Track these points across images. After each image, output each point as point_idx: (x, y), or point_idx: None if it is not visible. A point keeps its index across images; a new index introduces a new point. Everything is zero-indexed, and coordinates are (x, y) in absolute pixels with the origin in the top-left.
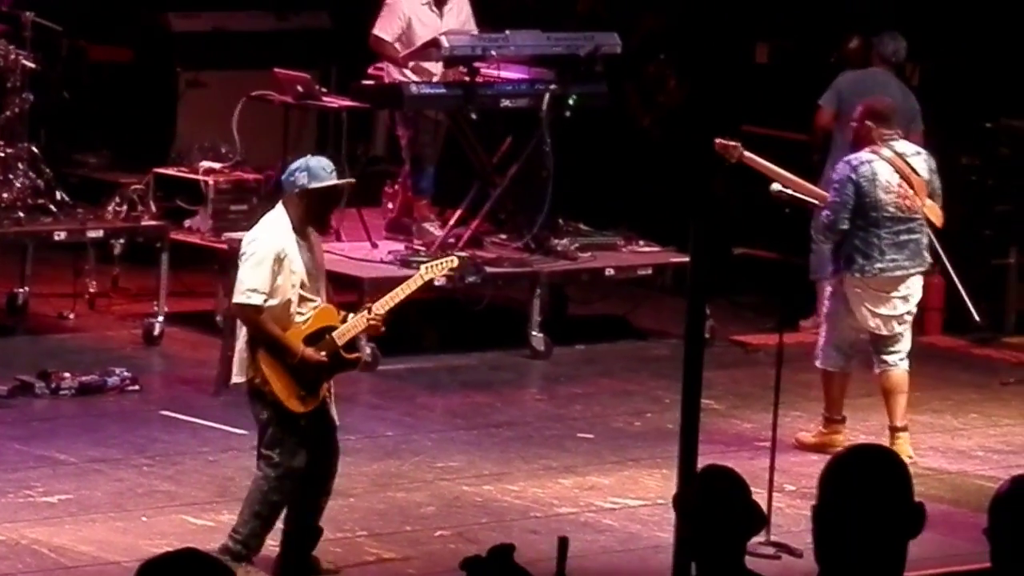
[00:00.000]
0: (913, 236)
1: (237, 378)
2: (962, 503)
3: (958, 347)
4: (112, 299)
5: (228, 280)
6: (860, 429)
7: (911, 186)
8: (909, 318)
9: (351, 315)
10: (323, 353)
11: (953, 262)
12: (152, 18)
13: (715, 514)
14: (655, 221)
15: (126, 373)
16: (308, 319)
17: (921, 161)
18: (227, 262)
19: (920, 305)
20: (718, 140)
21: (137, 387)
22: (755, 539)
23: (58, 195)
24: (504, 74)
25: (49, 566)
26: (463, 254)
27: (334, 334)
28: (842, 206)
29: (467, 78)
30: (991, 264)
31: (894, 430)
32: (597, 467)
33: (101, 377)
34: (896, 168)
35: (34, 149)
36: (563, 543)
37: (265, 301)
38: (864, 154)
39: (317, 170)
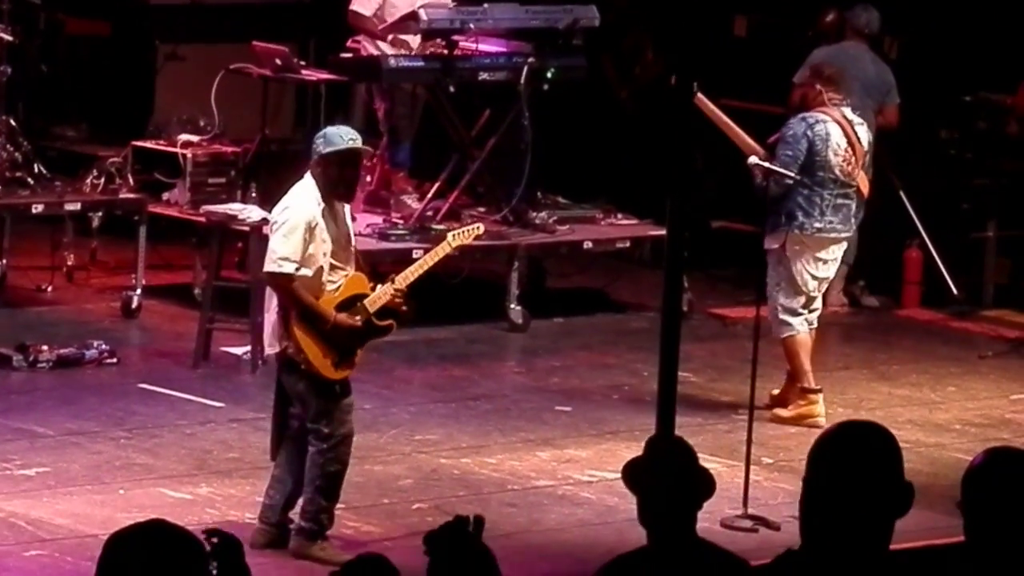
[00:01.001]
0: (847, 201)
1: (270, 349)
2: (940, 476)
3: (936, 320)
4: (90, 272)
5: (206, 253)
6: (838, 402)
7: (855, 153)
8: (828, 282)
9: (380, 285)
10: (357, 319)
11: (931, 236)
12: None
13: (664, 483)
14: (633, 194)
15: (104, 346)
16: (339, 287)
17: (864, 131)
18: (205, 235)
19: (898, 278)
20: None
21: (115, 360)
22: (732, 512)
23: (36, 168)
24: (482, 47)
25: (26, 539)
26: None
27: (365, 301)
28: (792, 160)
29: (445, 51)
30: (969, 237)
31: (810, 391)
32: (575, 440)
33: (79, 350)
34: (845, 132)
35: (11, 122)
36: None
37: (297, 269)
38: (819, 114)
39: (333, 136)
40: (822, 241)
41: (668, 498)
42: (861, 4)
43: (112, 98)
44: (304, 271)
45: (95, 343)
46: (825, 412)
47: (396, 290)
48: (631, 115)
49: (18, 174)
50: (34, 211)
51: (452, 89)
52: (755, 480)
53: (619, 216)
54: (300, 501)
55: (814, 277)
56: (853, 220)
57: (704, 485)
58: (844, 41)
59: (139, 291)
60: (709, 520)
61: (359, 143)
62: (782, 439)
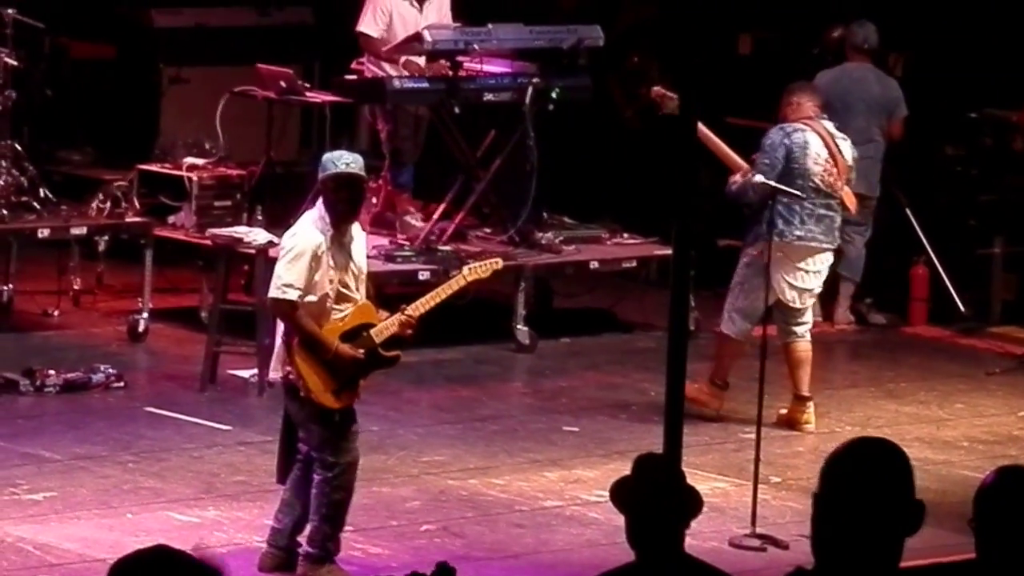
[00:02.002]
0: (830, 213)
1: (273, 374)
2: (948, 494)
3: (943, 337)
4: (96, 296)
5: (212, 276)
6: (846, 420)
7: (836, 165)
8: (816, 294)
9: (388, 316)
10: (360, 350)
11: (938, 252)
12: (134, 14)
13: (650, 502)
14: (639, 213)
15: (111, 370)
16: (346, 316)
17: (848, 147)
18: (211, 258)
19: (905, 295)
20: (656, 89)
21: (122, 384)
22: (740, 531)
23: (42, 192)
24: (487, 68)
25: (34, 564)
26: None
27: (372, 332)
28: (770, 168)
29: (450, 72)
30: (976, 254)
31: (802, 399)
32: (583, 460)
33: (86, 374)
34: (826, 144)
35: (17, 147)
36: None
37: (301, 297)
38: (798, 123)
39: (327, 162)
40: (801, 250)
41: (655, 516)
42: (857, 21)
43: (117, 122)
44: (309, 298)
45: (102, 367)
46: (819, 430)
47: (403, 321)
48: (636, 135)
49: (24, 199)
50: (40, 235)
51: (457, 110)
52: (763, 499)
53: (625, 236)
54: (307, 527)
55: (792, 286)
56: (837, 233)
57: (691, 502)
58: (846, 62)
59: (146, 315)
60: (717, 539)
61: (354, 167)
62: (790, 458)
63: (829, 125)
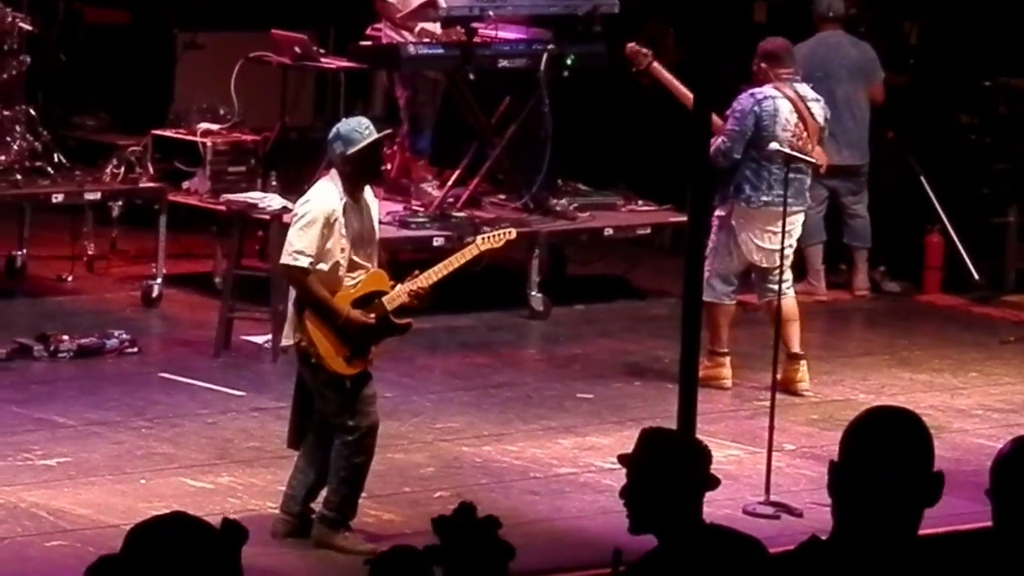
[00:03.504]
0: (799, 175)
1: (286, 340)
2: (962, 462)
3: (958, 306)
4: (110, 261)
5: (226, 241)
6: (860, 388)
7: (806, 128)
8: (790, 251)
9: (400, 284)
10: (372, 316)
11: (952, 221)
12: None
13: (663, 476)
14: (653, 181)
15: (124, 335)
16: (358, 283)
17: (819, 108)
18: (225, 224)
19: (919, 263)
20: (631, 44)
21: (136, 349)
22: (754, 499)
23: (56, 157)
24: (502, 34)
25: (48, 529)
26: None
27: (384, 299)
28: (740, 135)
29: (465, 38)
30: (990, 223)
31: (794, 357)
32: (596, 427)
33: (100, 339)
34: (796, 108)
35: (31, 112)
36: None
37: (312, 264)
38: (768, 89)
39: (350, 134)
40: (771, 215)
41: (672, 490)
42: None
43: (132, 87)
44: (320, 266)
45: (116, 333)
46: (832, 398)
47: (415, 289)
48: (652, 102)
49: (38, 164)
50: (54, 201)
51: (472, 77)
52: (777, 467)
53: (639, 203)
54: (324, 491)
55: (759, 248)
56: (807, 193)
57: (702, 470)
58: (818, 32)
59: (159, 280)
60: (731, 507)
61: (375, 132)
62: (804, 425)
63: (801, 87)
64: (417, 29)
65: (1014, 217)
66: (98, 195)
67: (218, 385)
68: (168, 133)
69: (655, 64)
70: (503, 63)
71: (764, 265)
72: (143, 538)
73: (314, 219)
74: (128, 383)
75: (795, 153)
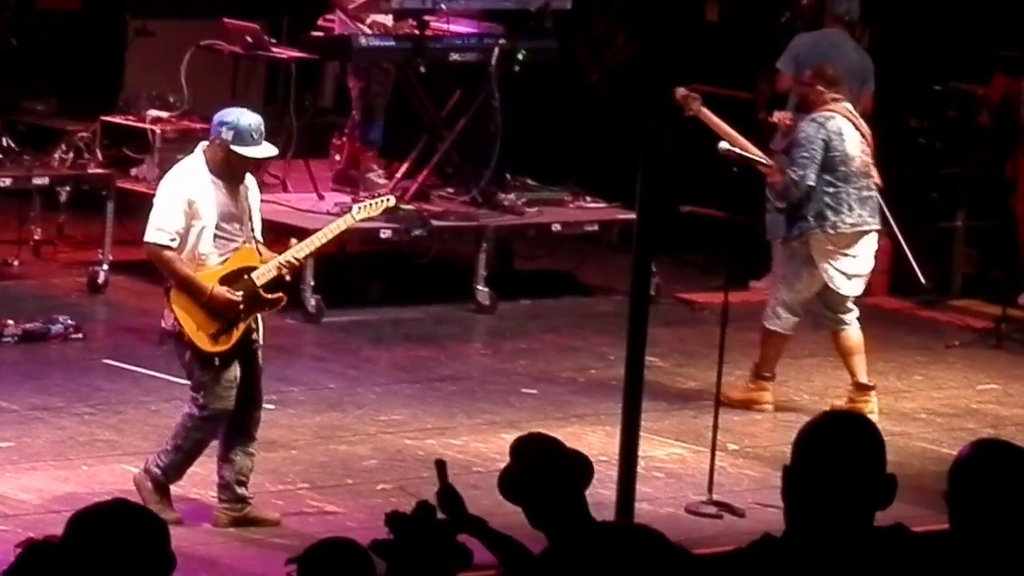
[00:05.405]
0: (872, 192)
1: (164, 322)
2: (905, 466)
3: (904, 309)
4: (57, 247)
5: None
6: (804, 389)
7: (868, 144)
8: (867, 277)
9: (270, 259)
10: (239, 293)
11: (900, 224)
12: None
13: (539, 484)
14: (602, 177)
15: (70, 321)
16: (226, 259)
17: (864, 125)
18: None
19: None
20: (680, 89)
21: (80, 335)
22: (696, 498)
23: (4, 141)
24: (453, 28)
25: None
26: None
27: (253, 274)
28: (811, 161)
29: (416, 31)
30: (937, 227)
31: (863, 388)
32: (540, 423)
33: (44, 325)
34: (856, 126)
35: None
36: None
37: (173, 241)
38: (826, 112)
39: (245, 134)
40: (855, 236)
41: (548, 497)
42: None
43: (82, 73)
44: (189, 242)
45: (61, 318)
46: (777, 400)
47: (286, 262)
48: (601, 99)
49: None
50: (2, 185)
51: (423, 69)
52: (720, 466)
53: (588, 199)
54: (241, 466)
55: (842, 273)
56: (884, 211)
57: (582, 469)
58: (824, 28)
59: (106, 266)
60: (673, 505)
61: (264, 144)
62: (748, 425)
63: (848, 106)
64: (369, 21)
65: (962, 222)
66: (46, 180)
67: (162, 372)
68: (117, 120)
69: (704, 109)
70: (454, 56)
71: (844, 292)
72: (85, 525)
73: (175, 197)
74: (72, 369)
75: (745, 154)
